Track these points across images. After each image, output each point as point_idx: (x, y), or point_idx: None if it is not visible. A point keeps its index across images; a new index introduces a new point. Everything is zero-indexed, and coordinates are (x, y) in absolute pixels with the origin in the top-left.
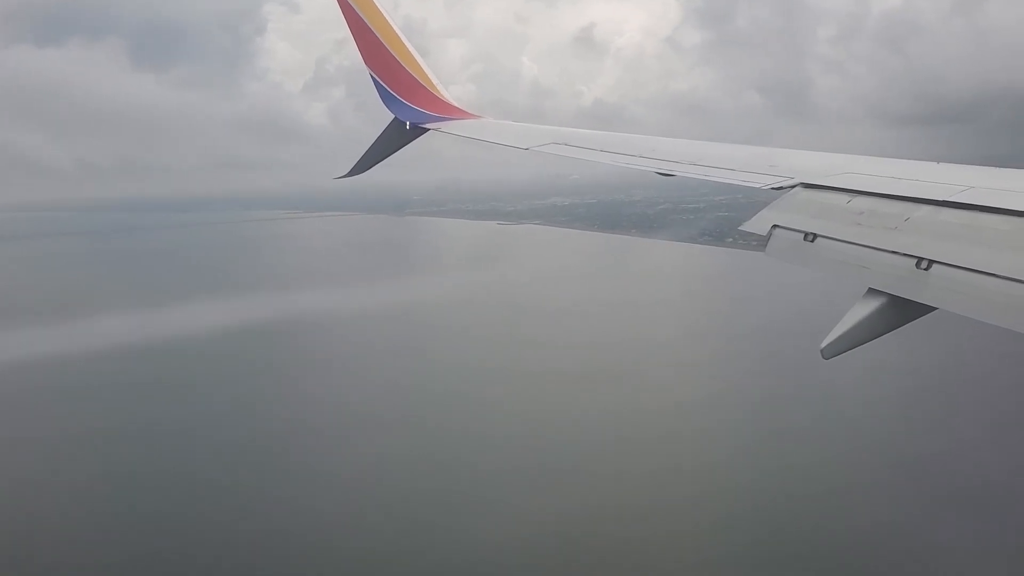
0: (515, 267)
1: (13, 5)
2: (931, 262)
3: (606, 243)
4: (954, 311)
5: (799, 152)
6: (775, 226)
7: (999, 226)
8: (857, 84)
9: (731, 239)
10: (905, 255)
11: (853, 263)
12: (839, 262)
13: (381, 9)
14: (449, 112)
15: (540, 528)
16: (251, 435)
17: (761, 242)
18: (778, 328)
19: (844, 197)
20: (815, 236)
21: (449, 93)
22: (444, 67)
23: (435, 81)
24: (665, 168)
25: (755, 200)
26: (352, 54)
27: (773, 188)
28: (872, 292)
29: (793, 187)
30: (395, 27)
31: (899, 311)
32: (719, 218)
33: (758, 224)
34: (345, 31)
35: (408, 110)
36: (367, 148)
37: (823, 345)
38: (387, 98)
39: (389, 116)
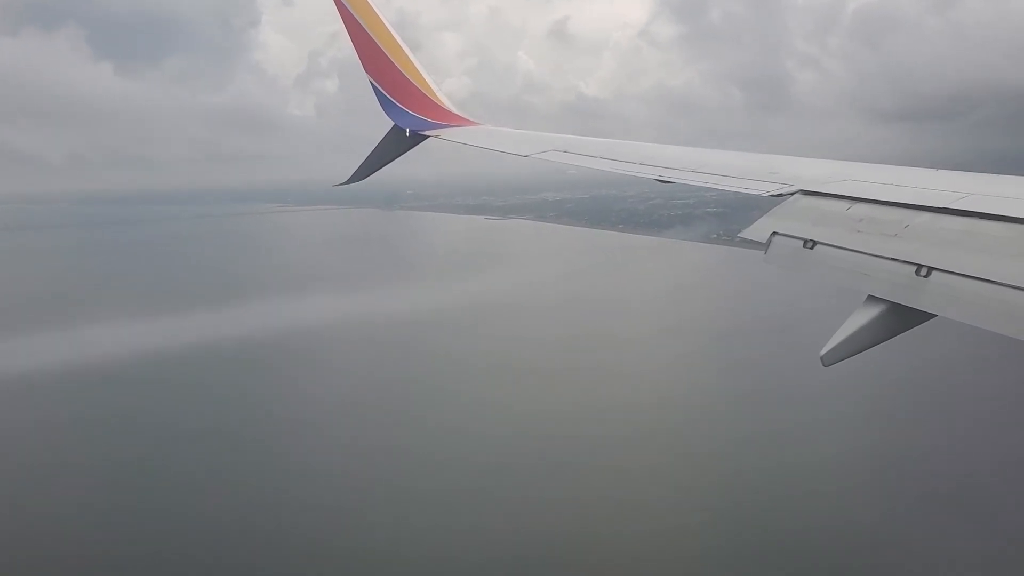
0: (496, 263)
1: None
2: (931, 269)
3: (591, 239)
4: (954, 318)
5: (799, 159)
6: (775, 233)
7: (998, 233)
8: (839, 81)
9: (715, 236)
10: (905, 262)
11: (853, 270)
12: (839, 269)
13: (379, 14)
14: (449, 119)
15: (540, 526)
16: (243, 430)
17: (755, 241)
18: (770, 325)
19: (843, 204)
20: (815, 243)
21: (443, 91)
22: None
23: (434, 87)
24: (666, 175)
25: (748, 200)
26: (345, 46)
27: (773, 195)
28: (872, 299)
29: (793, 194)
30: (394, 33)
31: (899, 318)
32: (709, 214)
33: (757, 231)
34: (339, 24)
35: (408, 117)
36: (367, 154)
37: (823, 352)
38: (386, 105)
39: (385, 112)
